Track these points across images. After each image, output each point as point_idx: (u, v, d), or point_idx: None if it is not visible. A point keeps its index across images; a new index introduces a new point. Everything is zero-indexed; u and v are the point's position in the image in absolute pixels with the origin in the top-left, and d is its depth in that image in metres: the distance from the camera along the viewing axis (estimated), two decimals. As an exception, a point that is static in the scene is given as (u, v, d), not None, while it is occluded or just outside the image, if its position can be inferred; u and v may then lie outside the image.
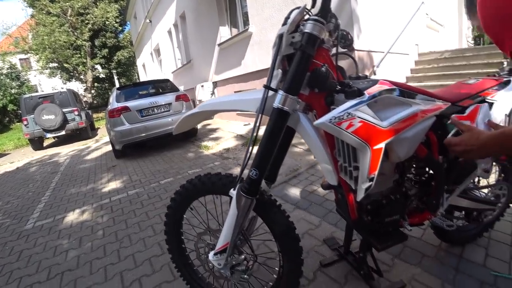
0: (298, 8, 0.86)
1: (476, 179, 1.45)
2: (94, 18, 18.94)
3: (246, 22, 6.17)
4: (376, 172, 0.84)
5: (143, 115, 4.74)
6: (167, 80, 5.77)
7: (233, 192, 0.94)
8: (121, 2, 20.40)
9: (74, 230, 2.42)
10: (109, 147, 6.01)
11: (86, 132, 8.89)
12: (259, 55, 5.52)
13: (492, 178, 1.55)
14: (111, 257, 1.90)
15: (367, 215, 1.08)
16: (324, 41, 0.88)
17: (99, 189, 3.50)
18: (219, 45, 6.85)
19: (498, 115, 1.12)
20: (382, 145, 0.80)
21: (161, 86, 5.51)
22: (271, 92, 0.87)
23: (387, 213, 1.08)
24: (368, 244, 1.24)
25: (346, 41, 0.97)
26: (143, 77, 17.83)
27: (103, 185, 3.64)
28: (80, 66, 19.77)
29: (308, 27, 0.81)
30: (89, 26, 19.01)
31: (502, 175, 1.44)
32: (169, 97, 5.01)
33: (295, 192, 2.46)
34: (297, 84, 0.84)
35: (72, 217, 2.72)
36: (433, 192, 1.13)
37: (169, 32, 10.66)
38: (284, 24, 0.87)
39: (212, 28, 7.03)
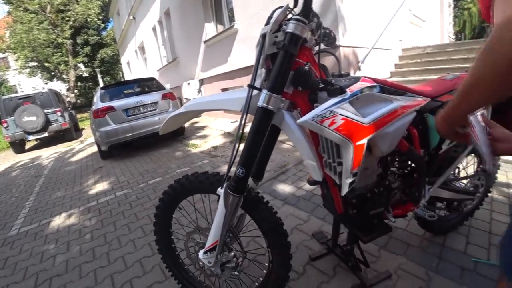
0: (281, 7, 0.87)
1: (456, 171, 1.51)
2: (75, 15, 18.37)
3: (232, 18, 6.13)
4: (360, 167, 0.87)
5: (129, 115, 4.66)
6: (153, 79, 5.68)
7: (220, 191, 0.95)
8: (103, -2, 19.86)
9: (61, 234, 2.37)
10: (94, 148, 5.88)
11: (70, 133, 8.66)
12: (246, 52, 5.50)
13: (471, 169, 1.63)
14: (100, 260, 1.88)
15: (352, 209, 1.11)
16: (307, 40, 0.89)
17: (86, 191, 3.43)
18: (205, 42, 6.78)
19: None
20: (364, 141, 0.83)
21: (147, 85, 5.42)
22: (255, 91, 0.88)
23: (371, 206, 1.11)
24: (354, 236, 1.28)
25: (329, 39, 0.98)
26: (128, 76, 17.45)
27: (89, 187, 3.57)
28: (62, 65, 19.18)
29: (290, 27, 0.83)
30: (70, 23, 18.44)
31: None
32: (155, 96, 4.94)
33: (283, 188, 2.49)
34: (281, 83, 0.85)
35: (59, 221, 2.66)
36: (415, 185, 1.17)
37: (154, 29, 10.46)
38: (267, 23, 0.88)
39: (198, 25, 6.95)
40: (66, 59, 19.29)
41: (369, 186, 1.09)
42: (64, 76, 20.10)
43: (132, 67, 15.71)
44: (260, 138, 0.88)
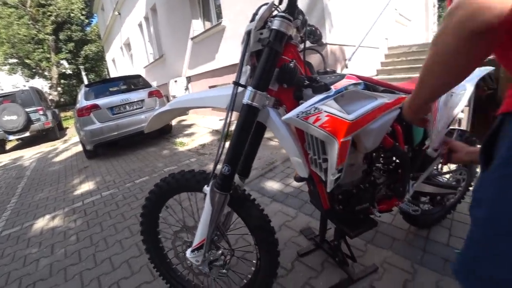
0: (266, 4, 0.86)
1: (439, 166, 1.56)
2: (57, 10, 17.74)
3: (219, 15, 6.07)
4: (345, 163, 0.88)
5: (115, 113, 4.55)
6: (139, 76, 5.57)
7: (206, 189, 0.94)
8: (88, -8, 19.27)
9: (44, 237, 2.30)
10: (79, 148, 5.72)
11: (54, 132, 8.39)
12: (234, 49, 5.47)
13: (453, 165, 1.67)
14: (86, 262, 1.84)
15: (338, 205, 1.13)
16: (292, 37, 0.89)
17: (71, 192, 3.34)
18: (192, 38, 6.70)
19: (458, 105, 1.20)
20: (349, 137, 0.83)
21: (133, 82, 5.30)
22: (240, 88, 0.88)
23: (357, 201, 1.13)
24: (341, 232, 1.30)
25: (314, 36, 0.99)
26: (113, 73, 17.05)
27: (74, 187, 3.48)
28: (44, 62, 18.55)
29: (275, 24, 0.82)
30: (52, 18, 17.81)
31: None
32: (142, 94, 4.85)
33: (271, 185, 2.50)
34: (266, 80, 0.85)
35: (42, 223, 2.59)
36: (399, 180, 1.20)
37: (140, 25, 10.25)
38: (252, 20, 0.87)
39: (185, 21, 6.85)
40: (48, 55, 18.67)
41: (354, 182, 1.11)
42: (46, 73, 19.47)
43: (118, 64, 15.36)
44: (246, 135, 0.88)
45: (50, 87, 19.97)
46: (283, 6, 0.88)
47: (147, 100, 4.83)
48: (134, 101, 4.72)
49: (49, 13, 17.75)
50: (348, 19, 4.30)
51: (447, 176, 1.54)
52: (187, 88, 7.55)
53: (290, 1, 0.85)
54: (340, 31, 4.12)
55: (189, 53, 7.15)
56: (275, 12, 0.88)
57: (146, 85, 5.29)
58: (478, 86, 1.22)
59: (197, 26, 6.69)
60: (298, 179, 1.27)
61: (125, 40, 12.48)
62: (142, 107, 4.79)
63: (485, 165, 0.52)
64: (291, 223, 1.89)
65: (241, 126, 0.87)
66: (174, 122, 6.46)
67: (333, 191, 0.99)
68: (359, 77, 0.95)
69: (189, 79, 7.57)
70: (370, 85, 0.96)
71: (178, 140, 4.85)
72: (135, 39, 11.15)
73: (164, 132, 5.53)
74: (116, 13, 12.05)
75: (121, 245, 1.97)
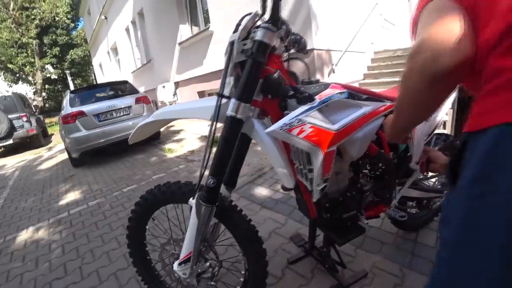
0: (249, 14, 0.86)
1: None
2: (41, 13, 17.34)
3: (207, 20, 6.07)
4: (330, 174, 0.88)
5: (101, 120, 4.47)
6: (126, 82, 5.49)
7: (192, 201, 0.93)
8: (73, -5, 18.91)
9: (28, 250, 2.22)
10: (65, 155, 5.57)
11: (38, 139, 8.15)
12: (221, 54, 5.39)
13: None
14: (73, 275, 1.78)
15: (326, 213, 1.13)
16: (276, 47, 0.89)
17: (56, 202, 3.25)
18: (179, 44, 6.66)
19: (440, 113, 1.23)
20: (333, 147, 0.84)
21: (120, 88, 5.21)
22: (225, 100, 0.87)
23: (344, 209, 1.13)
24: (330, 239, 1.30)
25: (299, 45, 0.99)
26: (100, 78, 16.77)
27: (60, 197, 3.39)
28: (27, 67, 18.10)
29: (258, 35, 0.82)
30: (36, 22, 17.39)
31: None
32: (129, 100, 4.78)
33: (261, 191, 2.49)
34: (250, 91, 0.84)
35: (26, 236, 2.50)
36: (386, 186, 1.21)
37: (127, 30, 10.14)
38: (235, 31, 0.87)
39: (172, 26, 6.81)
40: (32, 60, 18.22)
41: (341, 190, 1.11)
42: (30, 78, 18.98)
43: (105, 69, 15.12)
44: (230, 147, 0.87)
45: (34, 93, 19.48)
46: (267, 16, 0.88)
47: (134, 107, 4.77)
48: (121, 108, 4.65)
49: (33, 17, 17.35)
50: (334, 25, 4.37)
51: (433, 180, 1.57)
52: (175, 94, 7.49)
53: (273, 12, 0.85)
54: (326, 36, 4.18)
55: (176, 58, 7.10)
56: (259, 22, 0.88)
57: (133, 91, 5.22)
58: (461, 88, 1.25)
59: (185, 31, 6.67)
60: (285, 188, 1.27)
61: (112, 44, 12.31)
62: (129, 114, 4.72)
63: (453, 183, 0.52)
64: (280, 230, 1.88)
65: (225, 138, 0.86)
66: (162, 128, 6.38)
67: (320, 200, 0.99)
68: (343, 86, 0.96)
69: (177, 85, 7.51)
70: (354, 94, 0.97)
71: (167, 146, 4.79)
72: (122, 43, 11.01)
73: (152, 139, 5.46)
74: (103, 17, 11.89)
75: (108, 256, 1.92)
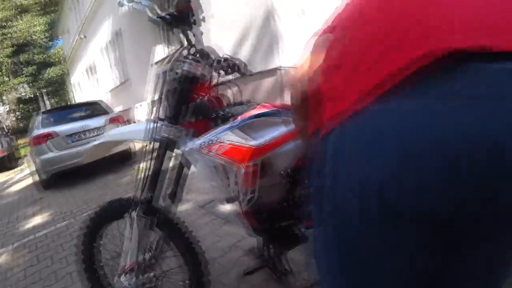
0: (181, 47, 1.02)
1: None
2: (17, 32, 17.05)
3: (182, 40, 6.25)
4: (256, 187, 1.00)
5: (74, 140, 4.47)
6: (97, 102, 5.54)
7: (128, 215, 1.05)
8: (52, 14, 18.68)
9: (-11, 276, 2.20)
10: (36, 177, 5.46)
11: (8, 161, 7.91)
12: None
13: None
14: (32, 298, 1.80)
15: (264, 223, 1.24)
16: (205, 74, 1.04)
17: (22, 225, 3.20)
18: (156, 63, 6.80)
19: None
20: (255, 161, 0.93)
21: (92, 109, 5.23)
22: (160, 122, 1.01)
23: (282, 218, 1.24)
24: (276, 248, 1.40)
25: (239, 69, 1.13)
26: (78, 97, 16.51)
27: (26, 220, 3.34)
28: (1, 85, 17.54)
29: (185, 66, 0.97)
30: (13, 40, 17.04)
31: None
32: (102, 120, 4.81)
33: (225, 207, 2.57)
34: (178, 114, 0.99)
35: (-13, 261, 2.46)
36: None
37: (105, 49, 10.19)
38: (168, 62, 1.02)
39: (148, 46, 6.96)
40: (6, 78, 17.72)
41: (277, 200, 1.22)
42: (4, 97, 18.38)
43: (83, 88, 14.95)
44: (161, 164, 1.02)
45: (7, 112, 18.81)
46: (194, 49, 1.04)
47: (108, 126, 4.78)
48: (94, 128, 4.67)
49: (9, 35, 17.02)
50: (303, 41, 4.61)
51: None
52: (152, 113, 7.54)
53: (196, 45, 1.01)
54: (294, 53, 4.40)
55: (152, 78, 7.20)
56: (187, 53, 1.02)
57: (107, 111, 5.26)
58: None
59: (160, 51, 6.83)
60: (228, 200, 1.37)
61: (91, 63, 12.29)
62: (102, 133, 4.74)
63: None
64: (241, 243, 1.97)
65: (157, 155, 1.01)
66: (137, 148, 6.37)
67: (258, 210, 1.10)
68: (273, 105, 1.09)
69: (153, 104, 7.57)
70: (284, 112, 1.06)
71: (140, 165, 4.80)
72: (100, 62, 11.03)
73: (125, 159, 5.41)
74: (82, 36, 11.91)
75: (71, 277, 1.93)
